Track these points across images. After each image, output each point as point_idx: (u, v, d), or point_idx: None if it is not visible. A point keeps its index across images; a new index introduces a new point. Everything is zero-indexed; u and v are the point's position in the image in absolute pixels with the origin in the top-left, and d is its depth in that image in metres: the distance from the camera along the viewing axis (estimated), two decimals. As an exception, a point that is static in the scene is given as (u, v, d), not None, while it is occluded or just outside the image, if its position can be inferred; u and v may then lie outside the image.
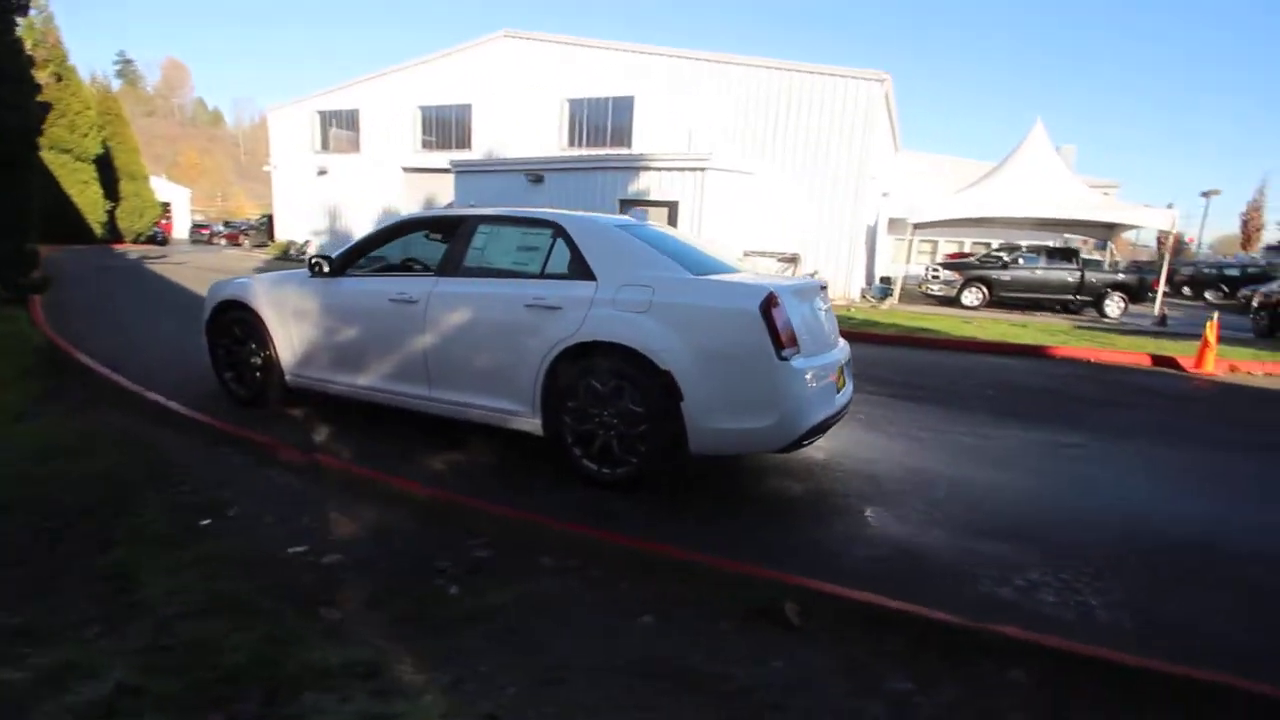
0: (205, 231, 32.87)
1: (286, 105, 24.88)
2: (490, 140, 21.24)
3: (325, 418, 4.24)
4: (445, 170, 19.63)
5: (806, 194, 17.23)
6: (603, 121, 19.82)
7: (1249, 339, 11.22)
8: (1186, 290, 27.21)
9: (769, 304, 3.03)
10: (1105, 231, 20.38)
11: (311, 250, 24.45)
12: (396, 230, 4.21)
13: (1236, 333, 12.35)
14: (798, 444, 3.13)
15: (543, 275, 3.52)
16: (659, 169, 15.16)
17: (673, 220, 15.01)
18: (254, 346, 4.38)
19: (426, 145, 22.56)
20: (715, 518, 3.08)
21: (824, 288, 3.79)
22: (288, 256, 22.90)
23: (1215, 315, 8.01)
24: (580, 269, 3.39)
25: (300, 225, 24.79)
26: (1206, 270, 27.97)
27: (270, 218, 27.52)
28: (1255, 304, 13.60)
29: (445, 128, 22.19)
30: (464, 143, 21.88)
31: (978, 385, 6.58)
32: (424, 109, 22.31)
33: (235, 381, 4.53)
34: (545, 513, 2.83)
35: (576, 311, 3.27)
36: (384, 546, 2.53)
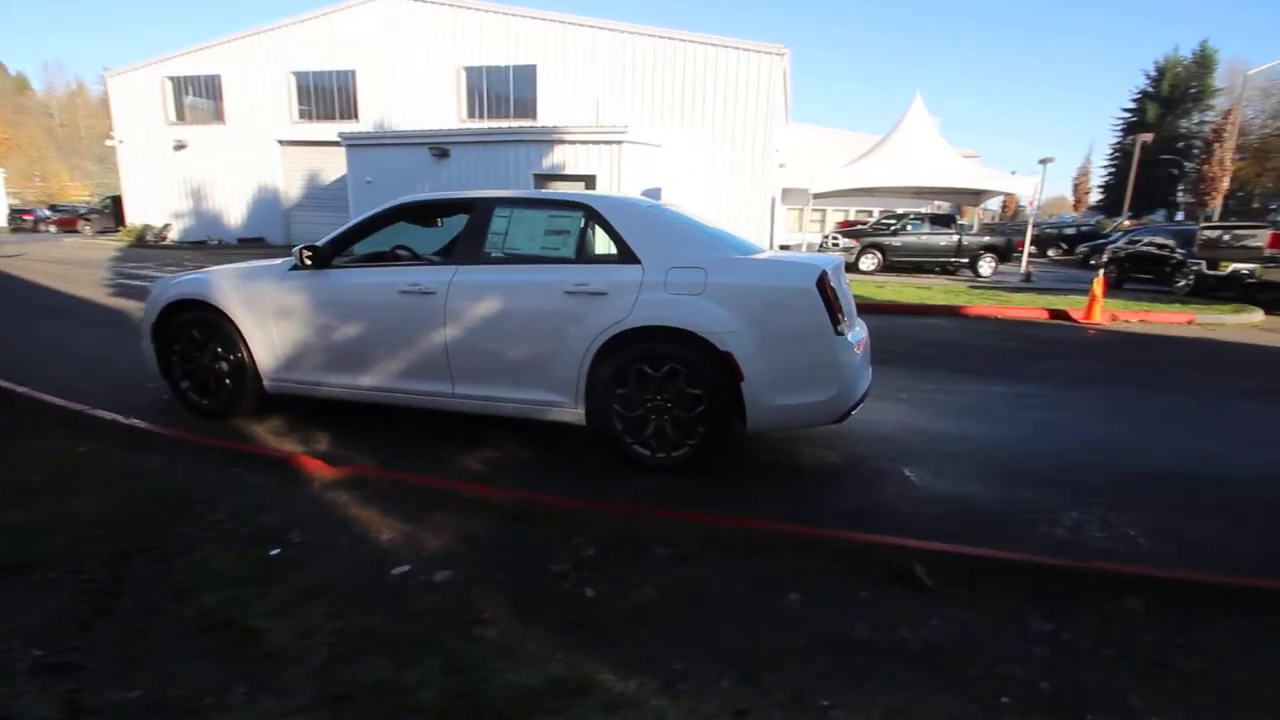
0: (29, 217, 28.24)
1: (131, 70, 21.68)
2: (379, 110, 19.77)
3: (309, 423, 3.88)
4: (331, 143, 18.13)
5: (716, 166, 17.56)
6: (504, 92, 19.03)
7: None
8: (1033, 249, 30.75)
9: (824, 281, 3.11)
10: (974, 197, 22.49)
11: (173, 235, 21.80)
12: (390, 216, 3.87)
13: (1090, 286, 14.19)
14: (847, 415, 3.27)
15: (578, 260, 3.39)
16: (574, 142, 14.87)
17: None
18: (220, 350, 3.90)
19: (305, 115, 20.64)
20: (778, 490, 3.17)
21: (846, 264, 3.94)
22: (145, 243, 20.26)
23: (1101, 273, 9.15)
24: (621, 252, 3.30)
25: (157, 207, 21.91)
26: (1049, 230, 31.60)
27: (117, 199, 24.09)
28: (1106, 259, 15.63)
29: (326, 96, 20.38)
30: (349, 113, 20.22)
31: (919, 345, 7.12)
32: (299, 75, 20.33)
33: (196, 391, 4.02)
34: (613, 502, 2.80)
35: (625, 296, 3.20)
36: (485, 556, 2.38)
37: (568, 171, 15.00)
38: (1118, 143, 61.83)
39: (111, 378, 4.74)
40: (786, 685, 1.71)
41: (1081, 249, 26.25)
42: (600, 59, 17.97)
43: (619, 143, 14.57)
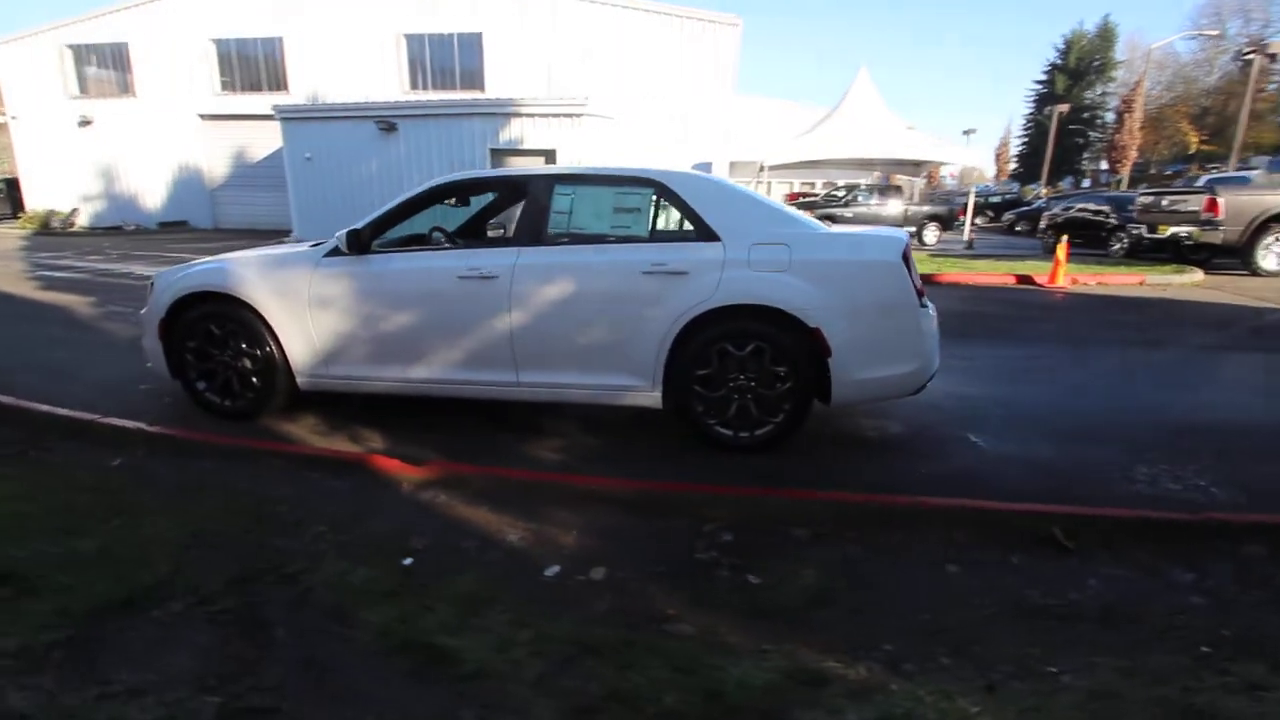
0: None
1: (22, 38, 19.28)
2: (312, 82, 18.49)
3: (348, 420, 3.64)
4: (261, 117, 16.92)
5: (670, 138, 17.39)
6: (449, 62, 18.16)
7: (1041, 255, 13.53)
8: (961, 217, 32.30)
9: (907, 253, 3.13)
10: (915, 168, 23.26)
11: (83, 220, 19.90)
12: (432, 196, 3.61)
13: (1030, 251, 15.01)
14: (924, 386, 3.33)
15: (652, 238, 3.28)
16: (531, 115, 14.39)
17: (550, 170, 14.43)
18: (245, 346, 3.58)
19: (228, 87, 19.06)
20: (861, 462, 3.21)
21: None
22: (51, 230, 18.40)
23: (1065, 238, 9.63)
24: (699, 229, 3.21)
25: (61, 190, 19.83)
26: (977, 199, 33.13)
27: (12, 182, 21.69)
28: (1044, 225, 16.55)
29: (251, 66, 18.87)
30: (278, 84, 18.83)
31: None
32: (220, 43, 18.71)
33: (216, 392, 3.69)
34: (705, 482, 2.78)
35: (708, 275, 3.11)
36: (627, 549, 2.30)
37: (526, 146, 14.52)
38: (1031, 114, 65.24)
39: (84, 381, 4.30)
40: (1004, 656, 1.73)
41: (1008, 216, 27.63)
42: (550, 28, 17.38)
43: (579, 115, 14.19)
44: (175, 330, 3.65)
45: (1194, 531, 2.35)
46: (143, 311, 3.88)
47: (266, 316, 3.50)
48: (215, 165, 19.62)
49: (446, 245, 3.87)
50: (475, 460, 3.10)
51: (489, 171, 3.56)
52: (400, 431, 3.52)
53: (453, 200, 3.79)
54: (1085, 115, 57.48)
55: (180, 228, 19.11)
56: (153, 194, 19.79)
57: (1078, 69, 61.32)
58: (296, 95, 18.34)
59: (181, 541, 2.23)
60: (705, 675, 1.62)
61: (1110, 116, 59.87)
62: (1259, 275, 9.82)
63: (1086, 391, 4.44)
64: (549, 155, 14.41)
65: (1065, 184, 47.15)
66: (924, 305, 3.14)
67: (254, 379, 3.63)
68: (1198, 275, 9.65)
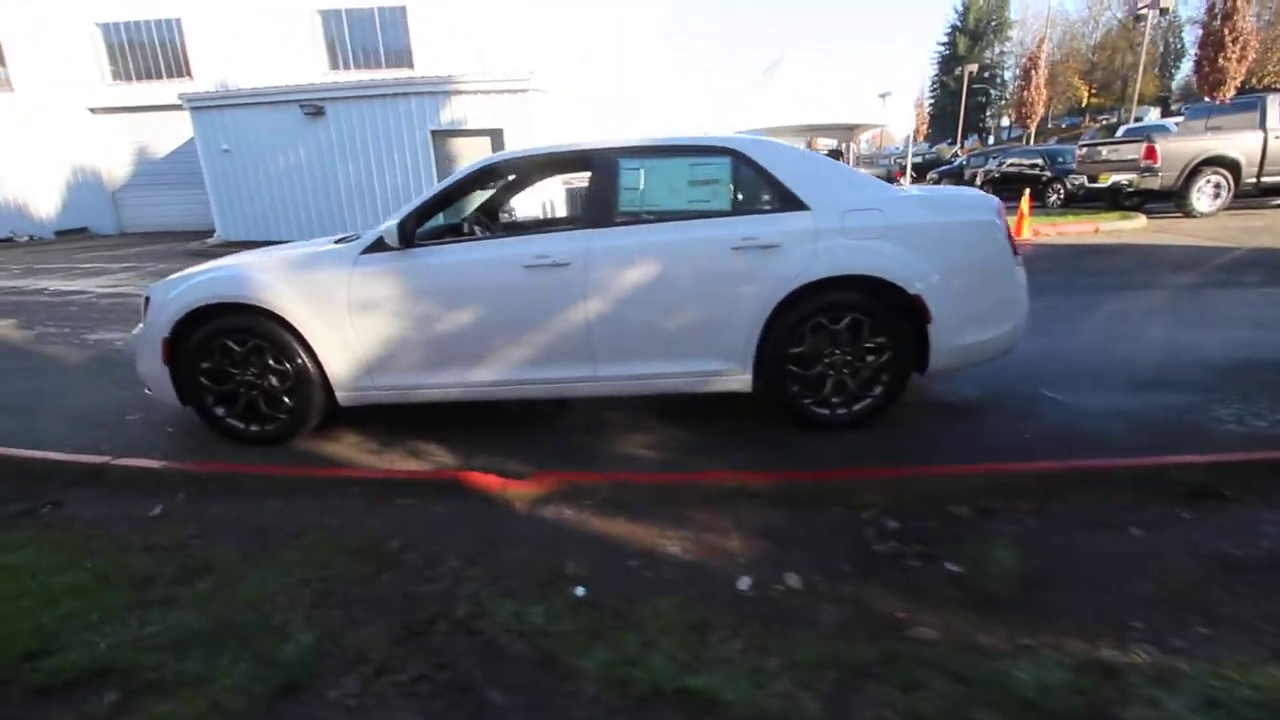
0: None
1: None
2: (220, 67, 16.93)
3: (393, 432, 3.32)
4: (166, 107, 15.42)
5: (610, 112, 16.96)
6: (372, 39, 17.01)
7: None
8: (900, 178, 33.41)
9: (1001, 210, 3.05)
10: (848, 132, 23.75)
11: (-40, 234, 17.62)
12: (479, 178, 3.25)
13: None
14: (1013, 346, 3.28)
15: (735, 211, 3.05)
16: (474, 92, 13.64)
17: (498, 150, 13.79)
18: (273, 362, 3.16)
19: (120, 76, 17.22)
20: (960, 430, 3.15)
21: None
22: (-78, 247, 16.20)
23: (1028, 191, 9.96)
24: (785, 198, 3.01)
25: (-74, 200, 17.50)
26: (900, 161, 34.25)
27: None
28: (979, 181, 17.19)
29: (146, 52, 17.10)
30: (178, 70, 17.16)
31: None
32: (107, 27, 16.82)
33: (240, 416, 3.25)
34: (812, 463, 2.66)
35: (801, 246, 2.93)
36: (800, 548, 2.12)
37: (470, 126, 13.79)
38: (937, 75, 67.88)
39: (54, 415, 3.77)
40: (1257, 615, 1.68)
41: (931, 175, 28.71)
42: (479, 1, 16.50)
43: (524, 91, 13.57)
44: (183, 351, 3.17)
45: (1334, 469, 2.39)
46: (135, 332, 3.37)
47: (297, 326, 3.08)
48: (115, 164, 17.77)
49: (489, 234, 3.54)
50: (565, 466, 2.84)
51: (544, 148, 3.21)
52: (461, 441, 3.20)
53: (502, 182, 3.43)
54: (986, 74, 60.15)
55: (81, 235, 17.25)
56: (44, 199, 17.73)
57: (977, 30, 64.04)
58: (203, 82, 16.76)
59: (303, 599, 1.90)
60: (998, 685, 1.47)
61: (1009, 75, 63.06)
62: (1193, 216, 10.50)
63: (1118, 337, 4.55)
64: (495, 135, 13.76)
65: (970, 141, 49.33)
66: (1020, 264, 3.08)
67: (285, 398, 3.21)
68: (1142, 220, 10.22)
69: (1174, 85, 53.13)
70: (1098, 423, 3.10)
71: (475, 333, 3.07)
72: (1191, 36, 47.26)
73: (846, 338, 3.02)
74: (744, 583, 1.93)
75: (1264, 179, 10.37)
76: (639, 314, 3.02)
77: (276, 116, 13.92)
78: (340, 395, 3.22)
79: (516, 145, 13.41)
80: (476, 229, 3.54)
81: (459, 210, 4.14)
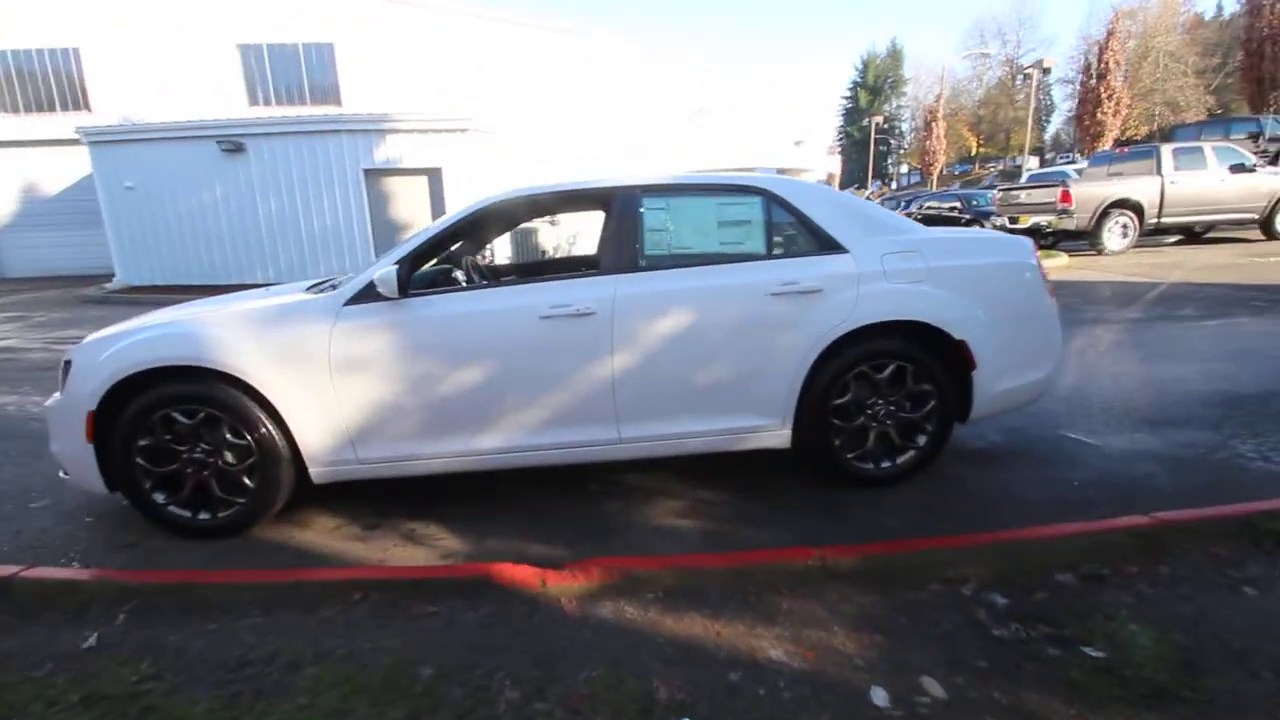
0: None
1: None
2: (122, 100, 15.67)
3: (368, 512, 2.83)
4: (57, 141, 14.05)
5: (543, 155, 16.83)
6: (295, 76, 16.25)
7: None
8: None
9: (1035, 253, 2.97)
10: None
11: None
12: (482, 219, 2.87)
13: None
14: None
15: (769, 255, 2.82)
16: (410, 130, 13.17)
17: (437, 192, 13.31)
18: (228, 436, 2.63)
19: (7, 108, 15.63)
20: (1005, 478, 2.99)
21: None
22: None
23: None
24: (821, 241, 2.81)
25: None
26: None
27: None
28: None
29: (36, 83, 15.65)
30: (74, 103, 15.78)
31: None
32: (-11, 54, 15.25)
33: (184, 504, 2.68)
34: (875, 529, 2.41)
35: (844, 291, 2.73)
36: (914, 642, 1.83)
37: (406, 165, 13.25)
38: (841, 126, 72.73)
39: None
40: None
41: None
42: (411, 40, 16.14)
43: (465, 130, 13.22)
44: (114, 425, 2.59)
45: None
46: (50, 403, 2.74)
47: (264, 391, 2.58)
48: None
49: (485, 281, 3.17)
50: (601, 546, 2.46)
51: (557, 185, 2.88)
52: (462, 519, 2.77)
53: (507, 222, 3.07)
54: (886, 126, 64.91)
55: (-53, 281, 15.24)
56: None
57: (876, 86, 69.35)
58: (103, 115, 15.43)
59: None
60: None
61: (905, 126, 68.41)
62: (1104, 254, 11.32)
63: (1100, 372, 4.62)
64: (434, 175, 13.30)
65: (875, 187, 52.76)
66: (1055, 305, 3.00)
67: (244, 478, 2.67)
68: (1065, 258, 10.91)
69: (1046, 137, 59.17)
70: (1135, 466, 3.02)
71: (483, 394, 2.67)
72: (1061, 94, 52.87)
73: (890, 387, 2.83)
74: (879, 696, 1.61)
75: (1163, 219, 11.34)
76: (670, 368, 2.71)
77: (189, 152, 12.91)
78: (315, 471, 2.71)
79: (456, 186, 13.01)
80: (473, 275, 3.14)
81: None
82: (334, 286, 2.88)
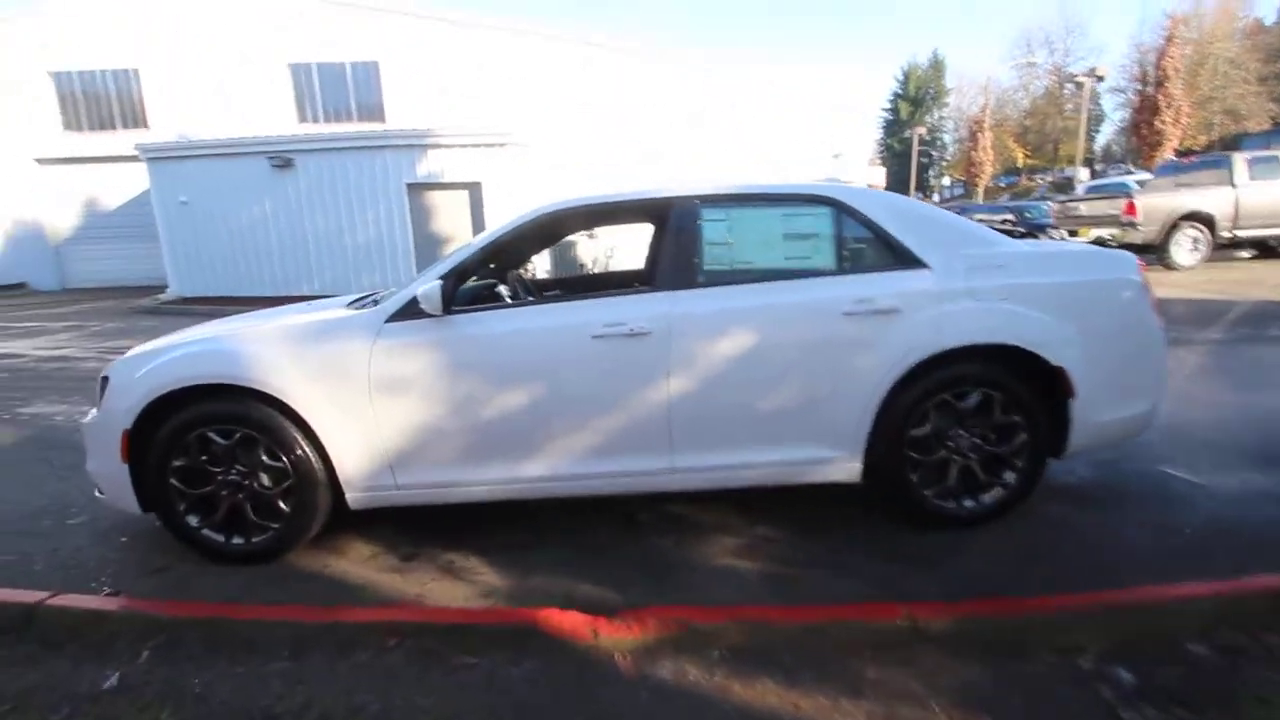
0: None
1: None
2: (179, 117, 16.26)
3: (404, 541, 2.65)
4: (119, 158, 14.61)
5: (580, 170, 16.81)
6: (343, 93, 16.65)
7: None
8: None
9: (1142, 269, 2.67)
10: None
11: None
12: (533, 231, 2.70)
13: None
14: None
15: (841, 270, 2.59)
16: (450, 145, 13.29)
17: (477, 205, 13.39)
18: (265, 457, 2.50)
19: (72, 126, 16.34)
20: (1099, 525, 2.66)
21: None
22: None
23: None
24: (898, 254, 2.57)
25: None
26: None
27: None
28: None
29: (100, 102, 16.34)
30: (134, 121, 16.43)
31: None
32: (60, 76, 16.03)
33: (218, 527, 2.56)
34: (961, 579, 2.12)
35: (925, 310, 2.48)
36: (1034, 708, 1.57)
37: (447, 180, 13.37)
38: (881, 139, 71.79)
39: None
40: None
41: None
42: (450, 55, 16.38)
43: (503, 145, 13.29)
44: (150, 444, 2.49)
45: None
46: (87, 420, 2.67)
47: (301, 412, 2.45)
48: (60, 216, 16.68)
49: (530, 298, 3.01)
50: (656, 589, 2.24)
51: (611, 196, 2.70)
52: (503, 550, 2.59)
53: (561, 233, 2.91)
54: (928, 138, 63.74)
55: (18, 291, 15.96)
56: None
57: (917, 97, 68.24)
58: (160, 133, 16.03)
59: None
60: None
61: (948, 139, 67.03)
62: (1174, 270, 10.66)
63: (1192, 400, 4.21)
64: (474, 189, 13.39)
65: (916, 196, 51.63)
66: (1163, 329, 2.69)
67: (280, 502, 2.54)
68: (1131, 273, 10.32)
69: (1096, 147, 57.20)
70: (1253, 511, 2.67)
71: (529, 418, 2.49)
72: (1111, 103, 51.06)
73: (975, 417, 2.55)
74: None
75: (1238, 233, 10.65)
76: (730, 393, 2.49)
77: (241, 168, 13.26)
78: (352, 496, 2.56)
79: (495, 200, 13.06)
80: (519, 290, 2.99)
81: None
82: (376, 302, 2.75)
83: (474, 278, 3.13)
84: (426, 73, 16.47)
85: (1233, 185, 10.62)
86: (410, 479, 2.54)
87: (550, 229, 2.83)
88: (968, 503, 2.62)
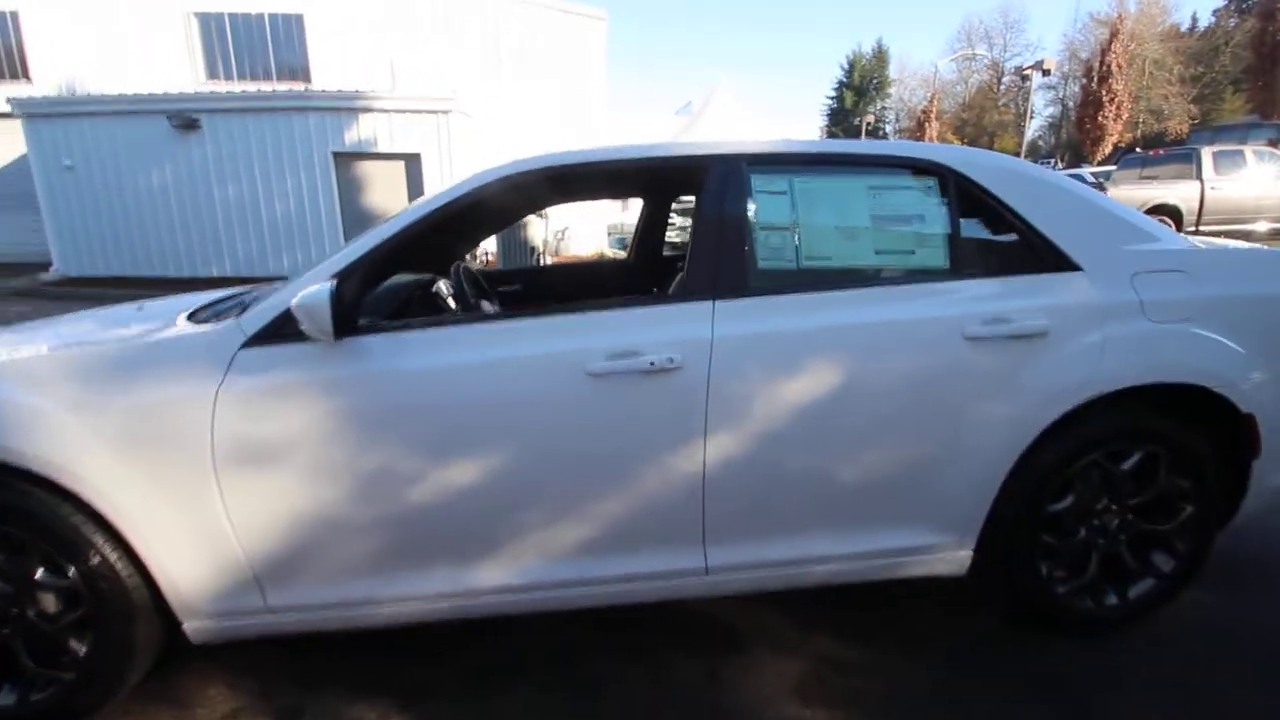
0: None
1: None
2: (66, 70, 14.10)
3: (266, 681, 1.71)
4: (-11, 115, 12.44)
5: (538, 144, 15.61)
6: (260, 50, 14.82)
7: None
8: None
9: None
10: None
11: None
12: (488, 201, 1.73)
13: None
14: None
15: (957, 272, 1.74)
16: (386, 110, 11.87)
17: (415, 180, 12.06)
18: (43, 573, 1.50)
19: (-73, 75, 13.96)
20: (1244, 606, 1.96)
21: None
22: None
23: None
24: (1039, 251, 1.76)
25: None
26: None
27: None
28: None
29: (-35, 47, 13.99)
30: (15, 72, 14.24)
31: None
32: (-93, 13, 13.60)
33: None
34: None
35: (1081, 334, 1.68)
36: None
37: (381, 149, 11.97)
38: (825, 127, 72.49)
39: None
40: None
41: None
42: (391, 15, 14.80)
43: (447, 112, 11.97)
44: None
45: None
46: None
47: (95, 499, 1.45)
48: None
49: (498, 310, 2.06)
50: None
51: (613, 150, 1.73)
52: (451, 699, 1.65)
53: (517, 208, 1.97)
54: (873, 127, 64.72)
55: None
56: None
57: (861, 86, 69.08)
58: (43, 85, 13.91)
59: None
60: None
61: (889, 129, 68.27)
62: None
63: None
64: (412, 160, 12.04)
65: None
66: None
67: (72, 640, 1.54)
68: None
69: (1023, 142, 59.34)
70: None
71: (486, 500, 1.57)
72: (1043, 100, 52.61)
73: (1133, 483, 1.79)
74: None
75: (1202, 226, 10.57)
76: (793, 457, 1.64)
77: (137, 129, 11.49)
78: (192, 627, 1.59)
79: (436, 172, 11.77)
80: (468, 291, 2.03)
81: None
82: (242, 307, 1.73)
83: (399, 272, 2.15)
84: (361, 31, 14.82)
85: (1199, 179, 10.50)
86: (290, 598, 1.58)
87: (512, 200, 1.85)
88: (1110, 599, 1.86)
